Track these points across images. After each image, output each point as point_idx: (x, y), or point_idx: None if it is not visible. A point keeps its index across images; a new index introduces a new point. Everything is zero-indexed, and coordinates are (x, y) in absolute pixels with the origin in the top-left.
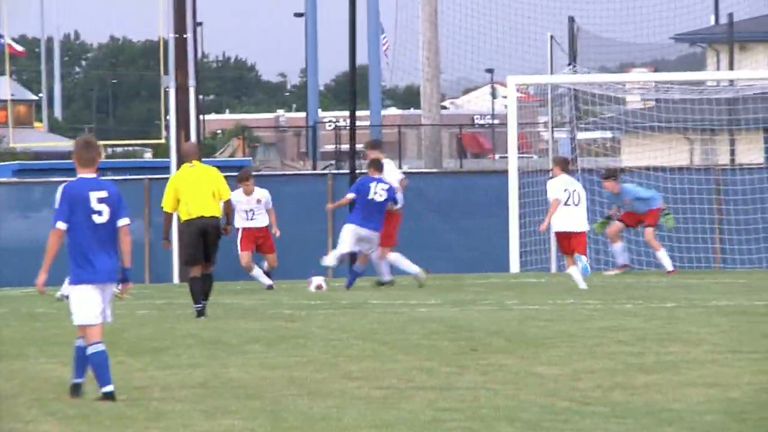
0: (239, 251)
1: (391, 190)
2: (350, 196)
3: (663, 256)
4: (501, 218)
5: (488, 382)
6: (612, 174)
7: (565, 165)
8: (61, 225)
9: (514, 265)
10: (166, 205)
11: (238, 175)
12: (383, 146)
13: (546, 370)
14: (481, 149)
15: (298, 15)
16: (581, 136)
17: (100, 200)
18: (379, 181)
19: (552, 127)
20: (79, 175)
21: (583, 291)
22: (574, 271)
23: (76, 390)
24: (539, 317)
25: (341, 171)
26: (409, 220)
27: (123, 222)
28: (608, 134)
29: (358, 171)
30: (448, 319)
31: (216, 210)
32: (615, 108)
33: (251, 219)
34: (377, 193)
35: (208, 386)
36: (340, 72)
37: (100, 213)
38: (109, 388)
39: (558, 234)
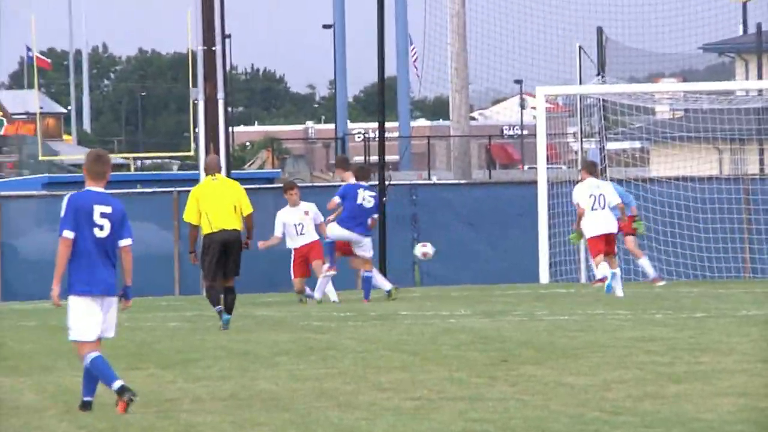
0: (292, 277)
1: (377, 199)
2: (336, 199)
3: (645, 263)
4: (530, 229)
5: (518, 393)
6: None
7: (593, 168)
8: (69, 234)
9: (544, 276)
10: (189, 217)
11: (283, 185)
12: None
13: (576, 380)
14: (510, 160)
15: (327, 27)
16: (610, 146)
17: (103, 215)
18: (366, 188)
19: (581, 138)
20: (87, 188)
21: (617, 299)
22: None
23: (85, 406)
24: (569, 327)
25: (371, 182)
26: (439, 230)
27: (125, 242)
28: (637, 144)
29: (388, 183)
30: (477, 330)
31: (238, 223)
32: (644, 118)
33: (301, 234)
34: (365, 199)
35: (238, 398)
36: (369, 83)
37: (101, 227)
38: (118, 383)
39: (591, 240)
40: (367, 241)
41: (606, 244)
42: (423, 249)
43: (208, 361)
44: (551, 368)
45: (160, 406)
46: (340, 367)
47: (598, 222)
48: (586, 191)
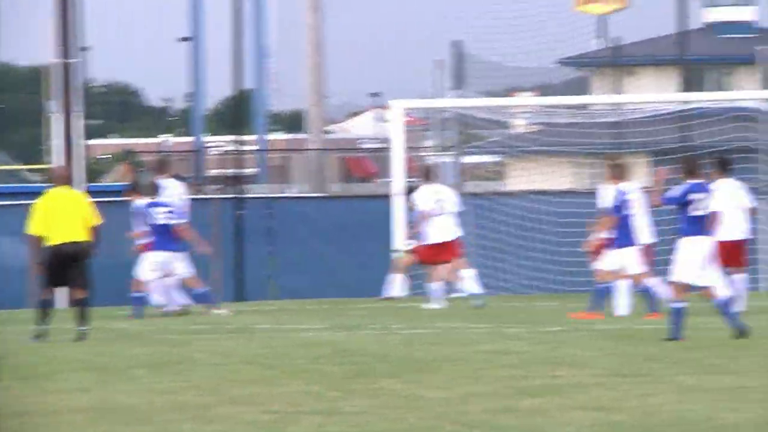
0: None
1: (173, 211)
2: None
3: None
4: (387, 242)
5: (374, 406)
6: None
7: (430, 173)
8: None
9: (400, 289)
10: (34, 228)
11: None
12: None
13: (433, 393)
14: (366, 173)
15: (184, 39)
16: (467, 159)
17: None
18: (157, 204)
19: (437, 152)
20: None
21: (473, 312)
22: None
23: None
24: (426, 341)
25: (227, 196)
26: (296, 244)
27: None
28: (494, 158)
29: (245, 196)
30: (334, 343)
31: (84, 235)
32: (500, 132)
33: None
34: (158, 215)
35: (96, 411)
36: (226, 96)
37: None
38: None
39: (430, 246)
40: (175, 257)
41: (445, 253)
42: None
43: (66, 374)
44: (408, 381)
45: (17, 419)
46: (197, 380)
47: (440, 228)
48: (429, 196)
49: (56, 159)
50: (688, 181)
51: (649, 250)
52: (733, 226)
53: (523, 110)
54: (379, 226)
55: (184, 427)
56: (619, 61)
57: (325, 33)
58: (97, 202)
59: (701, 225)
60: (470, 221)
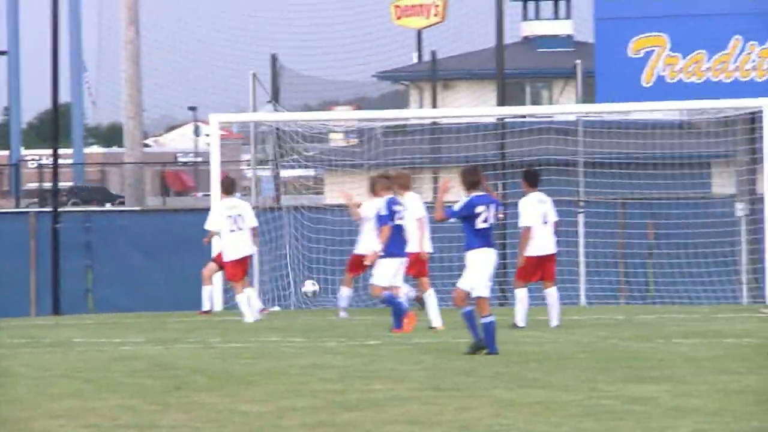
0: None
1: None
2: None
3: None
4: (205, 256)
5: (192, 420)
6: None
7: (227, 188)
8: None
9: (219, 303)
10: None
11: None
12: None
13: (250, 407)
14: (184, 187)
15: (1, 53)
16: (285, 173)
17: None
18: None
19: (254, 165)
20: None
21: (287, 326)
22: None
23: None
24: (243, 355)
25: (44, 209)
26: (113, 257)
27: None
28: (311, 172)
29: (62, 209)
30: (152, 357)
31: None
32: (318, 146)
33: None
34: None
35: None
36: (43, 110)
37: None
38: None
39: (234, 261)
40: None
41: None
42: (313, 287)
43: None
44: (225, 395)
45: None
46: (14, 394)
47: (237, 244)
48: (223, 211)
49: None
50: (471, 193)
51: (421, 260)
52: (543, 241)
53: (341, 124)
54: (197, 240)
55: None
56: (437, 74)
57: (143, 47)
58: None
59: (487, 237)
60: (289, 233)
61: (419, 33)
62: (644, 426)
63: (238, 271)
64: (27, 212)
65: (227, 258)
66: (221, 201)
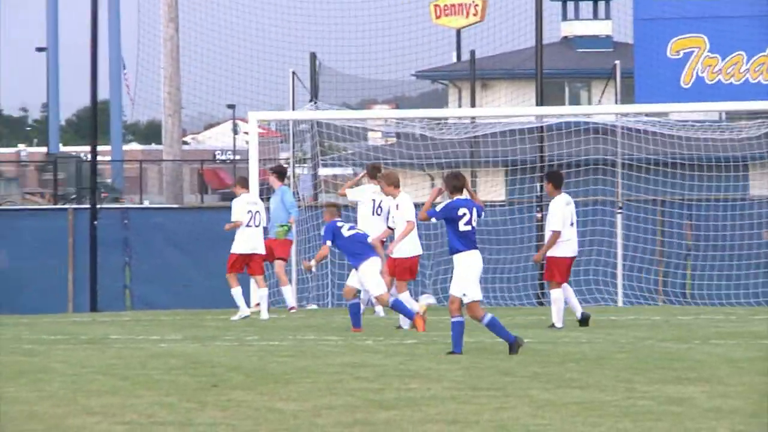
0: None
1: None
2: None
3: (287, 292)
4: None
5: (228, 418)
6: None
7: (245, 183)
8: None
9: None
10: None
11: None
12: None
13: (286, 405)
14: (222, 185)
15: (40, 49)
16: (324, 171)
17: None
18: None
19: (293, 163)
20: None
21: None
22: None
23: None
24: (279, 353)
25: (82, 206)
26: (151, 255)
27: None
28: (350, 170)
29: (100, 206)
30: (188, 355)
31: None
32: (357, 144)
33: None
34: None
35: None
36: (82, 107)
37: None
38: None
39: (238, 255)
40: None
41: (254, 264)
42: (429, 300)
43: None
44: (261, 393)
45: None
46: (51, 390)
47: (250, 240)
48: (243, 207)
49: None
50: (455, 197)
51: (413, 262)
52: (574, 243)
53: (379, 122)
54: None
55: None
56: (476, 74)
57: (182, 44)
58: None
59: (471, 240)
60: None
61: (458, 32)
62: (681, 427)
63: (238, 265)
64: (65, 209)
65: (234, 250)
66: (241, 195)
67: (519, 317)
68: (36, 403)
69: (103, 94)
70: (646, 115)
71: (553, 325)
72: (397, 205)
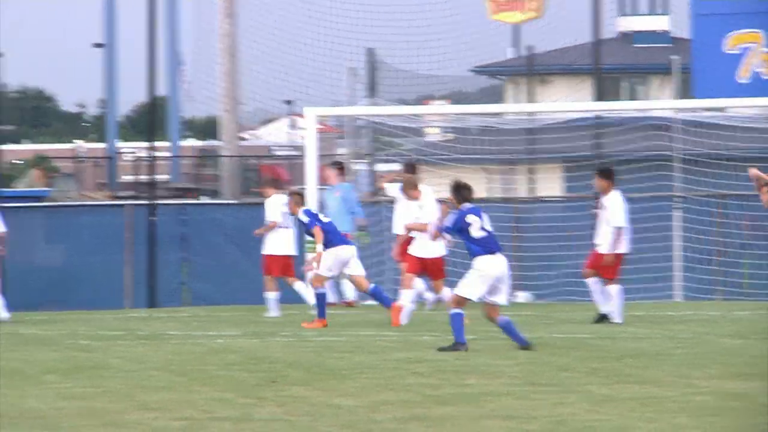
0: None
1: None
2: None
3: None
4: (300, 249)
5: (286, 414)
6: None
7: (276, 184)
8: None
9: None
10: None
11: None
12: None
13: (343, 401)
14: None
15: (98, 45)
16: (380, 167)
17: None
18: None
19: (351, 159)
20: None
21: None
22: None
23: None
24: (338, 348)
25: (140, 202)
26: (208, 250)
27: None
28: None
29: (158, 202)
30: (246, 351)
31: None
32: (414, 140)
33: None
34: None
35: (5, 416)
36: (139, 103)
37: None
38: None
39: (276, 256)
40: None
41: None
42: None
43: None
44: (319, 389)
45: None
46: (108, 386)
47: (281, 241)
48: (276, 207)
49: None
50: (461, 207)
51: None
52: (626, 240)
53: (437, 118)
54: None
55: None
56: (533, 69)
57: (239, 40)
58: (9, 208)
59: (488, 243)
60: (385, 228)
61: (516, 28)
62: (739, 422)
63: (274, 267)
64: (123, 205)
65: (267, 251)
66: (272, 197)
67: (576, 313)
68: (93, 399)
69: (161, 89)
70: (705, 110)
71: (609, 320)
72: (420, 206)
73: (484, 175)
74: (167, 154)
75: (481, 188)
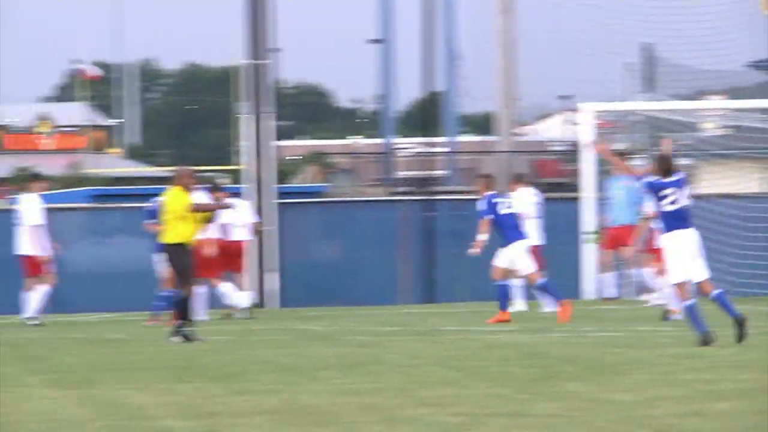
0: None
1: None
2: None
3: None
4: (573, 245)
5: (563, 409)
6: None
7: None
8: None
9: (590, 291)
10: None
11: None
12: None
13: (621, 396)
14: (557, 175)
15: (374, 41)
16: None
17: None
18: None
19: (628, 155)
20: None
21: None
22: None
23: None
24: (614, 344)
25: (415, 198)
26: (486, 246)
27: None
28: (685, 161)
29: (435, 197)
30: (521, 346)
31: (172, 237)
32: (691, 135)
33: None
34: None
35: (281, 412)
36: (416, 98)
37: None
38: None
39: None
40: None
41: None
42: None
43: (253, 374)
44: (596, 384)
45: (205, 419)
46: (384, 381)
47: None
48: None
49: (246, 160)
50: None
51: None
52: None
53: (713, 113)
54: (570, 228)
55: (372, 429)
56: None
57: (515, 36)
58: (287, 204)
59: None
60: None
61: None
62: None
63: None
64: (398, 200)
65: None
66: (520, 190)
67: None
68: (370, 394)
69: (437, 85)
70: None
71: None
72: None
73: (757, 171)
74: (443, 149)
75: (753, 184)
